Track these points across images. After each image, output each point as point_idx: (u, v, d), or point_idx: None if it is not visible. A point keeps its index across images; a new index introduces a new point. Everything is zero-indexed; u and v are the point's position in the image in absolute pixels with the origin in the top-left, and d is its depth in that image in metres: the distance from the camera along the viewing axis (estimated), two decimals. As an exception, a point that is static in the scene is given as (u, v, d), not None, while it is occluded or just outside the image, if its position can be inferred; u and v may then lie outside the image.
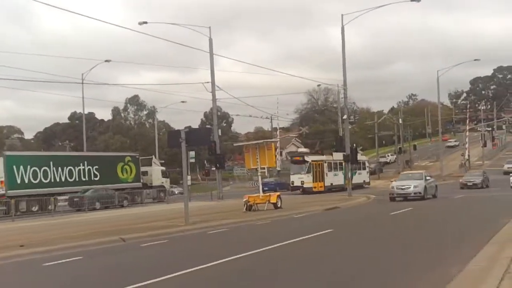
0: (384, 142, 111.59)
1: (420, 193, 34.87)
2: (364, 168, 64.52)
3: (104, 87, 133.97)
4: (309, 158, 56.09)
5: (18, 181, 42.20)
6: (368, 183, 64.55)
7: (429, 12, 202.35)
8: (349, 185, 44.17)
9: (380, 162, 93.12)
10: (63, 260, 14.27)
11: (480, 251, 11.89)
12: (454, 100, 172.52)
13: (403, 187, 35.44)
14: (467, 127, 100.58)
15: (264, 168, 32.13)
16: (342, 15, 42.68)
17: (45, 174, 44.23)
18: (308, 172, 54.65)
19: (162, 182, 54.88)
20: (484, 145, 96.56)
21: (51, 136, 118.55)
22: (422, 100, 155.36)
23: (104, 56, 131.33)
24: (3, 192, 41.39)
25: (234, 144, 52.89)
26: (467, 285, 8.92)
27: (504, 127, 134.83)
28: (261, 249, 14.19)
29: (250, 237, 18.87)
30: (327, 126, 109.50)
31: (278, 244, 15.07)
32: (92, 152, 55.44)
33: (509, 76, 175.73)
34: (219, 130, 52.54)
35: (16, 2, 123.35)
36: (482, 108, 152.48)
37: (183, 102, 72.89)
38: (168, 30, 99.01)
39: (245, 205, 29.66)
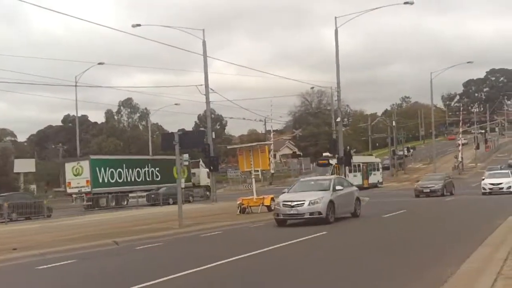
0: (377, 144, 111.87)
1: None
2: (378, 169, 70.44)
3: (97, 90, 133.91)
4: (333, 161, 58.53)
5: (100, 180, 49.39)
6: (381, 183, 69.41)
7: (423, 14, 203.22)
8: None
9: (395, 156, 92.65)
10: (57, 263, 14.24)
11: (473, 253, 11.92)
12: (447, 102, 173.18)
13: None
14: (460, 130, 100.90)
15: (257, 171, 32.11)
16: (335, 17, 42.82)
17: (119, 175, 51.49)
18: (332, 173, 56.13)
19: (208, 182, 57.94)
20: (477, 147, 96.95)
21: (44, 138, 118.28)
22: (416, 102, 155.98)
23: (97, 58, 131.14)
24: (89, 189, 48.35)
25: (228, 147, 52.91)
26: (461, 286, 8.93)
27: (497, 129, 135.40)
28: (255, 252, 14.19)
29: (243, 240, 18.85)
30: (321, 129, 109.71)
31: (272, 247, 15.06)
32: (155, 156, 61.97)
33: (501, 78, 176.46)
34: (213, 133, 52.45)
35: (8, 3, 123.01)
36: (475, 110, 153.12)
37: (176, 104, 73.01)
38: (162, 32, 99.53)
39: (239, 208, 29.64)
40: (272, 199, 30.93)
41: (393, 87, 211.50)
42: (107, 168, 50.52)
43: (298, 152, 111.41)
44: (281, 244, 15.62)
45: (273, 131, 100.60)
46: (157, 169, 55.20)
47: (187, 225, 22.68)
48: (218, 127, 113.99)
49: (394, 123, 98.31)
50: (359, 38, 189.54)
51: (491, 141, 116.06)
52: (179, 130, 24.18)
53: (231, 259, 13.16)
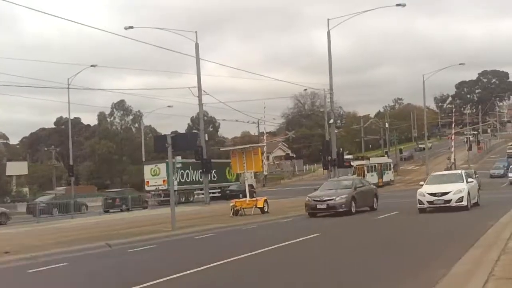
0: (370, 146, 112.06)
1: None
2: (390, 169, 78.58)
3: (90, 92, 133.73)
4: (354, 163, 67.15)
5: (177, 180, 55.32)
6: (393, 181, 76.69)
7: (415, 16, 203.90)
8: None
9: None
10: (48, 267, 14.19)
11: (465, 254, 11.95)
12: (439, 104, 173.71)
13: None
14: (453, 131, 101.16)
15: (250, 173, 32.15)
16: (328, 19, 42.92)
17: (188, 175, 60.15)
18: (353, 174, 64.28)
19: (252, 182, 64.03)
20: (470, 148, 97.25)
21: (36, 141, 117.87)
22: (408, 104, 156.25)
23: (90, 60, 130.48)
24: (165, 187, 54.76)
25: (221, 149, 53.04)
26: (452, 287, 8.96)
27: (489, 130, 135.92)
28: (247, 254, 14.19)
29: (236, 242, 18.83)
30: (314, 131, 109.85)
31: (264, 249, 15.06)
32: (215, 160, 66.30)
33: (493, 80, 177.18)
34: (206, 135, 52.49)
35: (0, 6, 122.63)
36: (468, 112, 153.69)
37: (169, 106, 72.88)
38: (154, 34, 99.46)
39: (232, 210, 29.63)
40: (265, 201, 30.96)
41: (386, 89, 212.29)
42: (179, 170, 57.85)
43: (291, 154, 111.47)
44: (277, 245, 15.64)
45: (266, 133, 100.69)
46: (214, 170, 60.06)
47: (180, 227, 22.65)
48: (211, 129, 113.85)
49: (387, 125, 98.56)
50: (351, 40, 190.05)
51: (483, 142, 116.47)
52: (172, 132, 24.12)
53: (224, 261, 13.16)
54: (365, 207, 28.74)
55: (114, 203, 49.78)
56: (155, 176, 57.22)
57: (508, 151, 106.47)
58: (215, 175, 62.01)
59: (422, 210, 25.48)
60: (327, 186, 29.44)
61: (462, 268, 10.28)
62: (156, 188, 57.87)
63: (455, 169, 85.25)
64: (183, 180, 59.51)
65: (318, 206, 26.96)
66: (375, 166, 71.89)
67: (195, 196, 60.27)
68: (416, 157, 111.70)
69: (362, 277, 10.65)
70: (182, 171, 59.59)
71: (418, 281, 9.82)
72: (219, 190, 61.45)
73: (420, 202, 25.69)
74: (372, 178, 66.58)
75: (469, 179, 26.95)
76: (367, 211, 28.22)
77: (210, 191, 55.55)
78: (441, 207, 24.96)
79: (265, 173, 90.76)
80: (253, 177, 65.65)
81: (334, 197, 26.92)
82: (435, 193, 25.39)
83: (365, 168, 70.26)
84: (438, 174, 30.79)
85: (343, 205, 26.56)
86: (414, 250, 13.98)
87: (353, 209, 26.96)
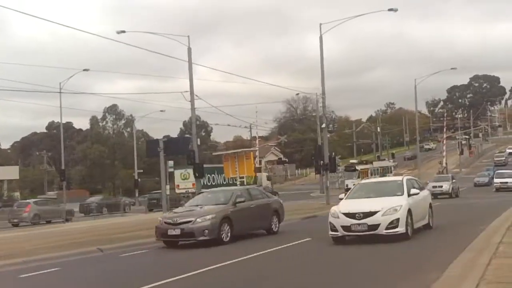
0: (362, 150, 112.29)
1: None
2: (391, 172, 78.96)
3: (82, 96, 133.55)
4: (358, 167, 72.04)
5: (202, 184, 57.95)
6: None
7: (407, 21, 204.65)
8: (326, 194, 44.12)
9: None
10: (40, 272, 14.15)
11: (457, 258, 12.00)
12: (431, 108, 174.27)
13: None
14: (444, 135, 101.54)
15: (243, 177, 32.19)
16: (320, 24, 42.78)
17: (213, 179, 61.97)
18: (358, 177, 67.32)
19: (268, 184, 70.54)
20: (461, 153, 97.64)
21: (28, 145, 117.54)
22: (400, 108, 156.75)
23: (82, 64, 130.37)
24: (194, 190, 55.96)
25: (213, 153, 53.12)
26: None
27: (480, 135, 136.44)
28: (240, 259, 14.22)
29: (227, 246, 18.81)
30: (306, 135, 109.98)
31: (255, 254, 15.08)
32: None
33: (485, 84, 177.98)
34: (198, 139, 52.37)
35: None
36: (459, 116, 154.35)
37: (161, 111, 72.63)
38: (147, 39, 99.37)
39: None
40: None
41: (378, 93, 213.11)
42: (206, 174, 59.74)
43: (283, 159, 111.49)
44: (266, 251, 15.62)
45: (259, 137, 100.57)
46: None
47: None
48: (204, 133, 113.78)
49: (379, 129, 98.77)
50: (344, 44, 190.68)
51: (474, 146, 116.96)
52: (164, 137, 24.16)
53: (215, 266, 13.17)
54: (256, 230, 20.44)
55: (158, 203, 53.74)
56: (184, 180, 61.30)
57: (495, 159, 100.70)
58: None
59: (337, 240, 16.52)
60: (196, 201, 20.75)
61: (454, 272, 10.33)
62: (186, 191, 61.61)
63: (447, 173, 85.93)
64: (209, 184, 61.96)
65: (170, 232, 18.15)
66: (377, 170, 75.11)
67: None
68: (420, 157, 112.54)
69: (352, 281, 10.65)
70: (208, 175, 62.68)
71: (410, 285, 9.81)
72: None
73: (333, 228, 16.46)
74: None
75: (413, 190, 17.67)
76: (260, 236, 20.18)
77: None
78: (364, 236, 16.14)
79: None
80: (268, 180, 73.51)
81: (193, 219, 17.96)
82: (355, 214, 16.06)
83: (369, 171, 73.58)
84: (369, 182, 21.02)
85: (206, 231, 17.70)
86: None
87: (225, 237, 18.29)
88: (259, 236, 20.12)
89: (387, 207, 16.04)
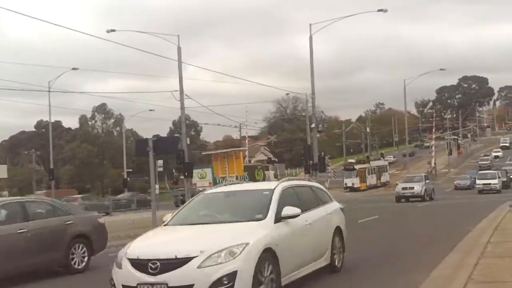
0: (352, 150, 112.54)
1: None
2: (386, 171, 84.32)
3: (71, 95, 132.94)
4: (357, 166, 75.68)
5: (218, 181, 63.51)
6: (389, 182, 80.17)
7: (397, 22, 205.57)
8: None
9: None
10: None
11: (445, 258, 12.06)
12: (420, 108, 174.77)
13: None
14: (433, 136, 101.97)
15: (232, 177, 32.15)
16: (310, 24, 42.87)
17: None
18: (356, 176, 73.98)
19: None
20: (450, 153, 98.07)
21: (16, 144, 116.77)
22: (389, 109, 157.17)
23: (71, 63, 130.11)
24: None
25: (203, 153, 53.02)
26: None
27: (469, 135, 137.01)
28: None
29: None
30: (296, 135, 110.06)
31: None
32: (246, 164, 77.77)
33: (473, 85, 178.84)
34: (188, 139, 52.34)
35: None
36: (448, 117, 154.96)
37: (151, 110, 72.46)
38: (136, 38, 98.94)
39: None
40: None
41: (368, 94, 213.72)
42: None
43: (273, 158, 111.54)
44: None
45: (248, 137, 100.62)
46: (246, 172, 68.79)
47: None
48: (193, 133, 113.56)
49: (368, 129, 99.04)
50: (334, 45, 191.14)
51: (463, 147, 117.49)
52: (153, 136, 24.06)
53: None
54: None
55: (185, 200, 55.88)
56: (202, 179, 63.49)
57: (480, 162, 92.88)
58: (247, 176, 71.10)
59: None
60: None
61: (442, 273, 10.38)
62: (203, 189, 65.03)
63: (436, 173, 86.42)
64: (223, 182, 67.86)
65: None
66: (374, 169, 78.95)
67: None
68: (417, 154, 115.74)
69: (340, 280, 10.67)
70: None
71: (398, 285, 9.84)
72: None
73: None
74: (372, 179, 78.37)
75: (289, 210, 9.48)
76: None
77: None
78: None
79: (247, 177, 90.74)
80: (275, 177, 74.23)
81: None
82: (148, 263, 8.26)
83: (366, 170, 76.87)
84: (217, 192, 11.19)
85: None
86: None
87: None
88: None
89: (216, 248, 8.22)
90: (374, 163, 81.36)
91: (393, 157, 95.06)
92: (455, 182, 66.77)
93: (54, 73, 75.94)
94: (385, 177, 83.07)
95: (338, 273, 11.27)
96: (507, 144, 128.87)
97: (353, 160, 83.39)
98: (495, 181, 53.27)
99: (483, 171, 61.97)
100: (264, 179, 70.91)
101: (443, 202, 40.42)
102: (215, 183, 63.77)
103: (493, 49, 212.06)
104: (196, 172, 65.13)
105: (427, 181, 46.13)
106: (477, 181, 54.94)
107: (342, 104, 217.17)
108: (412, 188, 43.77)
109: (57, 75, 56.82)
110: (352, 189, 73.44)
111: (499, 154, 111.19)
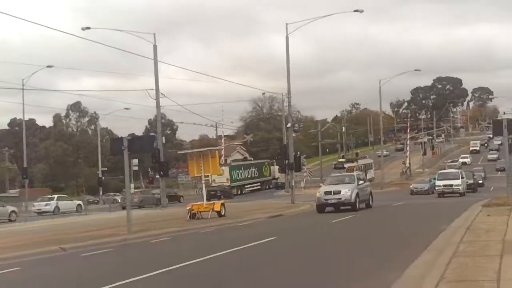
0: (327, 150, 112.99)
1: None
2: (372, 168, 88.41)
3: (45, 93, 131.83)
4: (346, 165, 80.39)
5: (233, 178, 77.41)
6: (374, 178, 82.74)
7: (372, 23, 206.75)
8: (291, 193, 44.24)
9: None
10: (0, 271, 13.91)
11: (418, 257, 12.18)
12: (395, 109, 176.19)
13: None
14: (408, 136, 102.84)
15: (208, 176, 32.06)
16: (286, 24, 42.99)
17: (241, 174, 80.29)
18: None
19: (278, 176, 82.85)
20: (424, 153, 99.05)
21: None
22: (365, 109, 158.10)
23: (45, 61, 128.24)
24: (229, 184, 75.00)
25: (178, 152, 52.76)
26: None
27: (443, 136, 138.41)
28: (203, 258, 14.19)
29: (192, 245, 18.78)
30: (272, 134, 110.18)
31: (221, 253, 15.08)
32: (255, 160, 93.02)
33: (448, 86, 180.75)
34: (163, 138, 52.18)
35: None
36: (423, 117, 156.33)
37: (126, 109, 72.01)
38: (112, 36, 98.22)
39: (189, 213, 29.47)
40: (223, 204, 30.92)
41: (343, 94, 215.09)
42: (235, 171, 79.14)
43: (249, 158, 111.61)
44: (230, 250, 15.62)
45: (224, 136, 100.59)
46: (256, 169, 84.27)
47: (135, 231, 22.46)
48: (169, 132, 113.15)
49: (343, 129, 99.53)
50: (311, 45, 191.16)
51: (437, 147, 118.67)
52: (129, 135, 23.90)
53: (180, 264, 13.13)
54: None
55: (216, 194, 62.53)
56: (219, 175, 70.36)
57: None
58: (257, 172, 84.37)
59: None
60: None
61: (415, 271, 10.49)
62: (221, 184, 73.75)
63: (410, 173, 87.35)
64: (238, 178, 79.42)
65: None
66: (361, 167, 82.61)
67: (245, 190, 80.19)
68: (392, 154, 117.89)
69: (312, 280, 10.75)
70: (237, 171, 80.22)
71: (371, 284, 9.93)
72: (259, 184, 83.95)
73: None
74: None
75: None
76: None
77: (252, 185, 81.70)
78: None
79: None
80: (279, 173, 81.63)
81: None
82: None
83: (355, 168, 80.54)
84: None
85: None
86: None
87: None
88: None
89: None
90: (361, 161, 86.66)
91: (368, 157, 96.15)
92: (411, 186, 58.90)
93: (28, 70, 75.09)
94: (370, 174, 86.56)
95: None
96: (477, 148, 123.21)
97: (343, 159, 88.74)
98: (458, 181, 46.49)
99: (443, 170, 55.77)
100: (269, 174, 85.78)
101: (371, 214, 30.37)
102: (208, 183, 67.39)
103: (467, 50, 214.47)
104: None
105: (361, 182, 33.25)
106: (437, 182, 48.10)
107: (318, 104, 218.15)
108: (339, 192, 30.98)
109: (31, 72, 56.32)
110: None
111: (467, 160, 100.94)
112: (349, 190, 31.01)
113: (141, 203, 56.70)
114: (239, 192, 77.80)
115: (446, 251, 12.35)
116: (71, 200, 58.57)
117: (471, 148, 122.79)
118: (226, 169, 75.21)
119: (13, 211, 46.84)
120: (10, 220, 43.94)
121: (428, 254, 12.69)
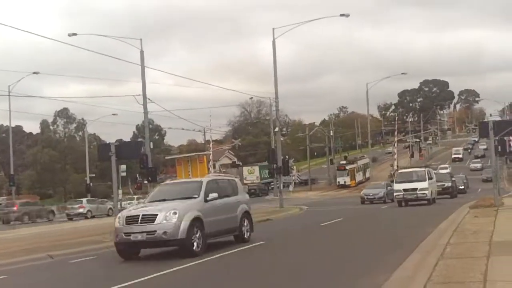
0: (316, 153, 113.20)
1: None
2: (369, 167, 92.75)
3: (32, 100, 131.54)
4: (348, 167, 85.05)
5: (262, 177, 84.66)
6: (369, 178, 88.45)
7: (360, 27, 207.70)
8: (280, 197, 44.25)
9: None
10: None
11: (406, 259, 12.24)
12: (383, 112, 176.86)
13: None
14: (396, 139, 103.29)
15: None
16: (273, 28, 43.13)
17: (267, 173, 76.23)
18: (347, 175, 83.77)
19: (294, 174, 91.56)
20: (412, 155, 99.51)
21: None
22: (353, 112, 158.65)
23: (32, 68, 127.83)
24: (258, 181, 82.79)
25: (166, 157, 52.76)
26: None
27: (430, 138, 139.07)
28: (193, 263, 14.17)
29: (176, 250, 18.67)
30: (260, 138, 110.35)
31: (211, 257, 15.06)
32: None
33: (434, 89, 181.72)
34: (151, 143, 52.06)
35: None
36: (410, 120, 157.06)
37: (114, 114, 71.77)
38: (98, 42, 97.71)
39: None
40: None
41: (331, 98, 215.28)
42: (263, 170, 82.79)
43: (237, 162, 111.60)
44: (220, 255, 15.60)
45: (212, 141, 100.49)
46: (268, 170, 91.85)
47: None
48: (157, 137, 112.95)
49: (331, 133, 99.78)
50: (298, 49, 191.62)
51: (425, 149, 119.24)
52: (116, 141, 23.88)
53: (167, 271, 13.10)
54: None
55: (255, 192, 72.47)
56: (250, 174, 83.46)
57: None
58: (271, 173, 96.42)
59: None
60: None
61: (403, 274, 10.54)
62: (251, 182, 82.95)
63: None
64: (264, 177, 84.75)
65: None
66: (361, 167, 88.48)
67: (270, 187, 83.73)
68: (380, 156, 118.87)
69: (301, 284, 10.76)
70: (265, 170, 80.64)
71: (360, 286, 9.95)
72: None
73: None
74: (359, 176, 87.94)
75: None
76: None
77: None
78: None
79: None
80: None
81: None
82: None
83: (355, 169, 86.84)
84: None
85: None
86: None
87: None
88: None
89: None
90: (360, 162, 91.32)
91: (365, 156, 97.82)
92: (362, 193, 47.93)
93: (15, 77, 74.73)
94: (368, 173, 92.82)
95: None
96: (460, 156, 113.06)
97: (344, 162, 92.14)
98: (423, 184, 35.52)
99: (403, 170, 42.78)
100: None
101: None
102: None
103: (453, 53, 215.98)
104: (246, 169, 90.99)
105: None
106: (395, 186, 37.83)
107: (306, 108, 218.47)
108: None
109: (17, 79, 56.06)
110: (343, 186, 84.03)
111: (447, 171, 68.96)
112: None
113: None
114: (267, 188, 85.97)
115: (433, 252, 12.43)
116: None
117: (453, 156, 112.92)
118: (256, 168, 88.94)
119: None
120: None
121: (416, 255, 12.77)
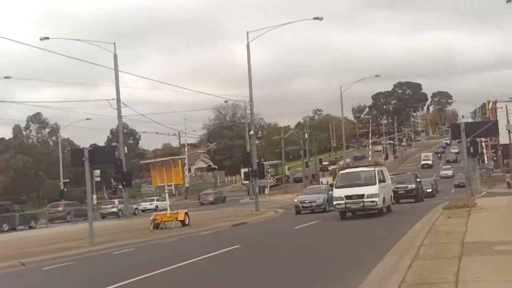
0: (291, 156, 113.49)
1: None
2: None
3: (4, 105, 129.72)
4: (330, 168, 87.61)
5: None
6: None
7: (333, 30, 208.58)
8: (256, 200, 44.25)
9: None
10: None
11: (380, 262, 12.31)
12: (357, 114, 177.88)
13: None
14: (370, 141, 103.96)
15: (171, 185, 31.89)
16: (247, 32, 43.16)
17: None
18: (330, 176, 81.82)
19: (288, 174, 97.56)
20: (386, 157, 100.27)
21: None
22: (327, 115, 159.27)
23: (3, 72, 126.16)
24: None
25: (141, 162, 52.46)
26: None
27: (404, 140, 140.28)
28: (167, 268, 14.09)
29: (155, 256, 18.61)
30: (235, 142, 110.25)
31: (184, 263, 15.00)
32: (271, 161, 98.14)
33: (408, 91, 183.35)
34: (125, 148, 51.75)
35: None
36: (384, 122, 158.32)
37: (88, 119, 71.15)
38: (71, 46, 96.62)
39: (152, 223, 29.27)
40: (186, 214, 30.76)
41: (306, 100, 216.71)
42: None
43: (213, 166, 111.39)
44: (192, 260, 15.55)
45: (188, 145, 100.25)
46: (273, 169, 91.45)
47: (98, 242, 22.22)
48: (132, 141, 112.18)
49: (306, 135, 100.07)
50: (272, 53, 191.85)
51: (399, 151, 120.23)
52: (90, 146, 23.69)
53: (143, 276, 13.02)
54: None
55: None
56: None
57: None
58: (273, 172, 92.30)
59: None
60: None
61: (377, 276, 10.60)
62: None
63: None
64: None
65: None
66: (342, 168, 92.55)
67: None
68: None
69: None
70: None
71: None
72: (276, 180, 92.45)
73: None
74: None
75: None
76: None
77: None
78: None
79: (187, 185, 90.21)
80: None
81: None
82: None
83: (337, 170, 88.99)
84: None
85: None
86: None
87: None
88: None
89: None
90: (341, 163, 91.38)
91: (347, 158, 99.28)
92: (296, 200, 39.26)
93: (-14, 82, 73.63)
94: None
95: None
96: (430, 162, 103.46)
97: (326, 162, 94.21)
98: (372, 189, 27.31)
99: (346, 170, 31.98)
100: (282, 172, 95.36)
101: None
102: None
103: (425, 55, 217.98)
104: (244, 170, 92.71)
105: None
106: (335, 192, 28.52)
107: (281, 110, 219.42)
108: None
109: (-12, 84, 55.31)
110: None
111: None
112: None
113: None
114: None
115: (408, 254, 12.52)
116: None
117: (422, 162, 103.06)
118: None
119: None
120: None
121: (391, 257, 12.86)
